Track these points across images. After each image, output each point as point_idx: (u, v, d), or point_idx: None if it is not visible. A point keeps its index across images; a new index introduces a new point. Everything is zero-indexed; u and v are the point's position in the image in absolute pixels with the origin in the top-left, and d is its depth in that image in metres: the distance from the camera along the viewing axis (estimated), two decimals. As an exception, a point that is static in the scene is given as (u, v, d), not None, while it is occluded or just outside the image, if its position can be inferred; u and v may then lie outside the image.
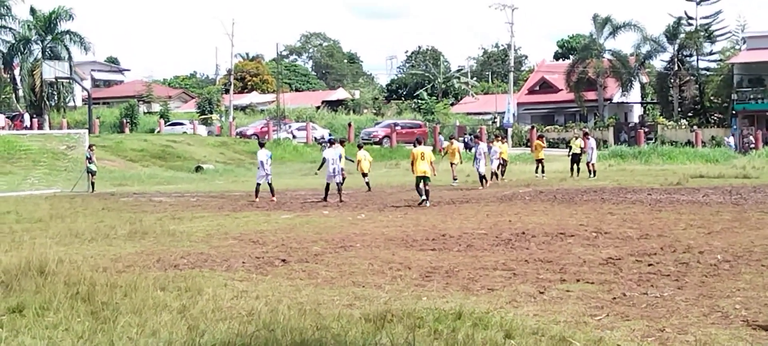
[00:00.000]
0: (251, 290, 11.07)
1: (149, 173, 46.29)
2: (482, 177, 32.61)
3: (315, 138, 67.54)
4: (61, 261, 12.64)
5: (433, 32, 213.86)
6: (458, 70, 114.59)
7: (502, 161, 36.88)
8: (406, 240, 16.42)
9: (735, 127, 64.57)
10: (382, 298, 10.50)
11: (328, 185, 27.79)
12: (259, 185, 27.98)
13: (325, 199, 27.21)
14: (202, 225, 19.99)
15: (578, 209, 22.45)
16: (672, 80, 74.17)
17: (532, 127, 70.27)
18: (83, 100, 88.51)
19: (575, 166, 37.76)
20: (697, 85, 74.21)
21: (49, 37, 74.19)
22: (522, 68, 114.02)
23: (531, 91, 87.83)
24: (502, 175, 36.81)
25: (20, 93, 78.84)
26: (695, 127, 67.26)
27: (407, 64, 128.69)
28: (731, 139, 61.15)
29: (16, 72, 77.10)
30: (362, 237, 16.99)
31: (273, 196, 27.46)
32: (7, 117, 75.97)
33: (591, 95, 77.78)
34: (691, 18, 75.10)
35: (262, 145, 29.31)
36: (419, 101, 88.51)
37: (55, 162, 42.07)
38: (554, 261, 13.37)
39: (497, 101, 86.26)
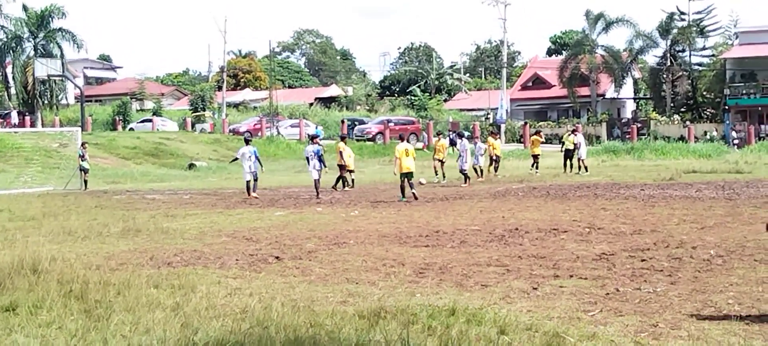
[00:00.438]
0: (245, 288, 11.07)
1: (142, 171, 46.20)
2: (465, 174, 32.39)
3: (307, 135, 67.45)
4: (54, 259, 12.64)
5: (426, 29, 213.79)
6: (451, 67, 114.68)
7: (495, 157, 36.89)
8: (399, 237, 16.42)
9: (728, 122, 64.69)
10: (376, 295, 10.50)
11: (315, 181, 27.91)
12: (248, 181, 27.96)
13: (317, 195, 27.28)
14: (195, 222, 19.98)
15: (571, 204, 22.48)
16: (665, 76, 74.35)
17: (526, 123, 70.28)
18: (76, 98, 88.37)
19: (568, 162, 37.78)
20: (690, 81, 74.32)
21: (42, 35, 73.98)
22: (515, 64, 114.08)
23: (524, 87, 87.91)
24: (496, 171, 36.80)
25: (12, 91, 78.66)
26: (688, 122, 67.40)
27: (400, 61, 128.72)
28: (733, 133, 61.32)
29: (8, 70, 76.92)
30: (356, 234, 16.99)
31: (250, 193, 27.40)
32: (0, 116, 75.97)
33: (584, 91, 77.93)
34: (683, 13, 75.24)
35: (247, 141, 29.30)
36: (412, 98, 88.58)
37: (48, 160, 42.02)
38: (547, 257, 13.38)
39: (490, 97, 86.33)
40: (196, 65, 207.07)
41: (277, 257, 13.86)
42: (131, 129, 73.47)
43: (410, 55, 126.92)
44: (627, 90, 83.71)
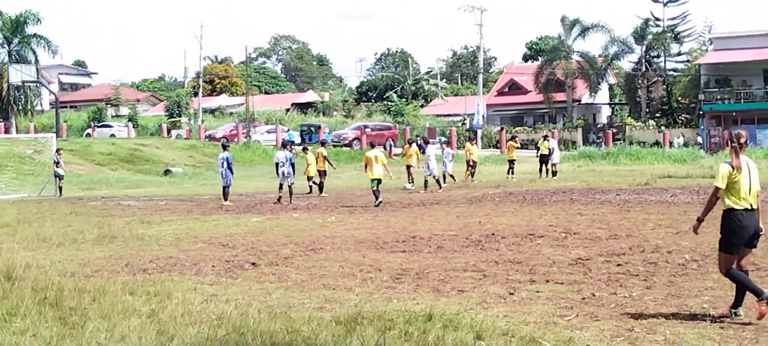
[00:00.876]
0: (221, 294, 11.02)
1: (117, 177, 45.99)
2: (436, 179, 32.38)
3: (283, 140, 67.34)
4: (29, 266, 12.55)
5: (403, 34, 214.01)
6: (428, 72, 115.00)
7: (472, 163, 37.05)
8: (376, 242, 16.42)
9: (702, 127, 65.15)
10: (353, 300, 10.49)
11: (281, 185, 27.90)
12: (224, 187, 27.75)
13: (290, 200, 27.50)
14: (171, 229, 19.89)
15: (548, 209, 22.55)
16: (640, 81, 74.81)
17: (502, 129, 70.55)
18: (50, 104, 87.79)
19: (544, 167, 38.00)
20: (665, 86, 74.85)
21: (16, 41, 73.49)
22: (491, 70, 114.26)
23: (500, 93, 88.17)
24: (473, 176, 36.93)
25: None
26: (663, 127, 67.82)
27: (377, 66, 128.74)
28: (699, 139, 61.86)
29: (-18, 76, 76.30)
30: (332, 240, 16.96)
31: (224, 200, 27.30)
32: None
33: (560, 96, 78.23)
34: (658, 19, 75.84)
35: (224, 147, 29.19)
36: (389, 103, 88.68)
37: (22, 166, 41.74)
38: (524, 262, 13.41)
39: (466, 103, 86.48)
40: (171, 71, 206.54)
41: (253, 263, 13.82)
42: (88, 134, 73.03)
43: (387, 61, 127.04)
44: (602, 95, 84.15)
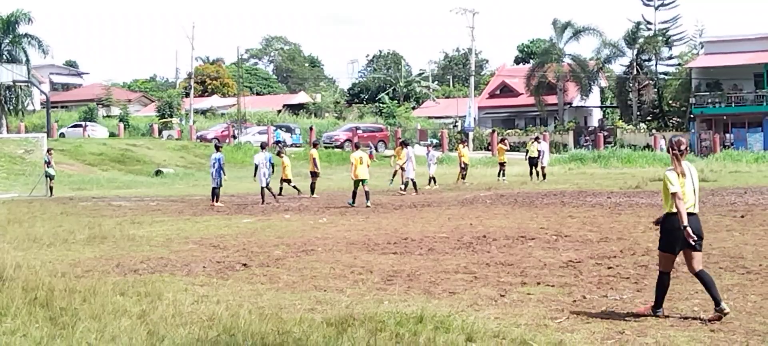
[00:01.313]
0: (212, 295, 11.01)
1: (108, 177, 45.91)
2: (404, 183, 32.28)
3: (272, 142, 67.38)
4: (19, 266, 12.52)
5: (394, 36, 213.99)
6: (419, 74, 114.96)
7: (463, 165, 37.08)
8: (367, 244, 16.42)
9: (693, 131, 65.30)
10: (344, 302, 10.50)
11: (262, 188, 28.05)
12: (214, 188, 27.69)
13: (276, 199, 28.22)
14: (162, 229, 19.86)
15: (539, 212, 22.58)
16: (631, 84, 74.96)
17: (493, 131, 70.64)
18: (41, 104, 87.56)
19: (534, 169, 38.08)
20: (656, 90, 75.03)
21: (7, 40, 73.19)
22: (483, 72, 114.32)
23: (492, 95, 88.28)
24: (464, 179, 36.97)
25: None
26: (654, 131, 67.96)
27: (368, 68, 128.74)
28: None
29: (-27, 76, 76.05)
30: (324, 241, 16.96)
31: (214, 201, 27.29)
32: None
33: (551, 99, 78.33)
34: (649, 23, 76.01)
35: (217, 148, 29.17)
36: (381, 105, 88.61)
37: (13, 166, 41.66)
38: (515, 264, 13.43)
39: (458, 105, 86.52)
40: (163, 71, 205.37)
41: (244, 265, 13.81)
42: (62, 135, 72.77)
43: (378, 63, 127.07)
44: (594, 98, 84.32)
